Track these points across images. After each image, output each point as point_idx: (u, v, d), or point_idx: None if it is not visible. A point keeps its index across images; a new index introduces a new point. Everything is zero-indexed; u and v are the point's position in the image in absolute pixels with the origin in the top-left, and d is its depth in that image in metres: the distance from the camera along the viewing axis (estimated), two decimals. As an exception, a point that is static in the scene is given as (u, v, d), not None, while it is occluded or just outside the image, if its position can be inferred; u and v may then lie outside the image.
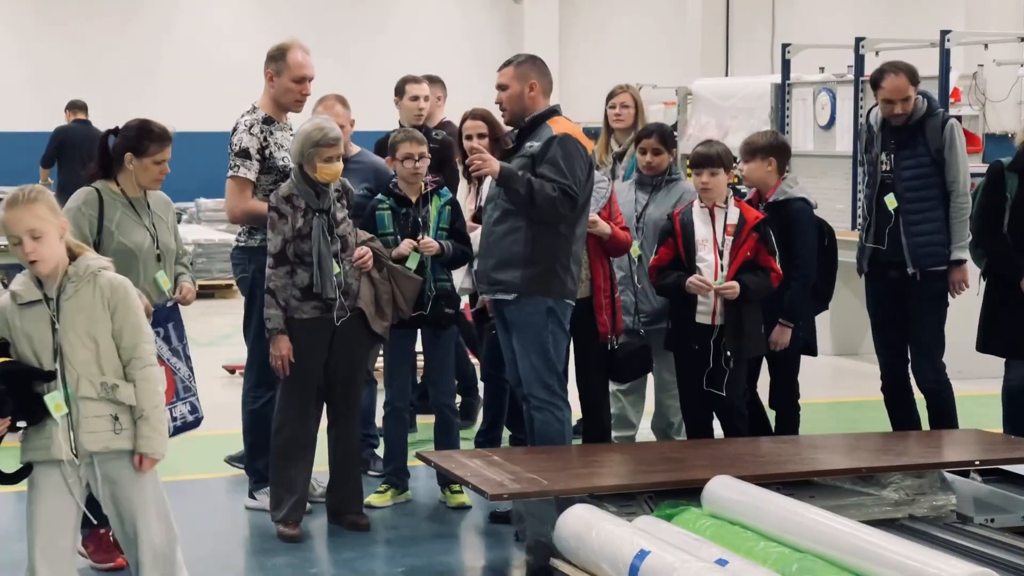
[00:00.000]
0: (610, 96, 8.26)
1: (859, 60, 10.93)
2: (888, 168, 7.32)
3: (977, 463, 6.35)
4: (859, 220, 7.61)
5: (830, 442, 6.97)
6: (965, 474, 6.41)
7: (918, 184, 7.26)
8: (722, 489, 5.53)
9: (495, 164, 6.20)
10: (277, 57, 6.92)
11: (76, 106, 15.13)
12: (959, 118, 14.12)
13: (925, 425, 7.49)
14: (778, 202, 7.01)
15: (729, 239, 6.67)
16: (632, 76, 23.32)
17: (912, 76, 7.22)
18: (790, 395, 7.28)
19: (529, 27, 23.02)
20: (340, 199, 6.53)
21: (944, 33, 10.37)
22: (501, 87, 6.43)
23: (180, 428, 6.04)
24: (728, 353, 6.64)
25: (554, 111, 6.41)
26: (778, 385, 7.26)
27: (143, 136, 5.90)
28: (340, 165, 6.46)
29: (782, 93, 11.69)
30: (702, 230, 6.71)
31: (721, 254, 6.66)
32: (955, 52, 10.66)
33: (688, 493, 5.68)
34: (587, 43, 23.41)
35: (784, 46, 11.83)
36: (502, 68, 6.47)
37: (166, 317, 5.96)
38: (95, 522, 5.16)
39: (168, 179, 6.06)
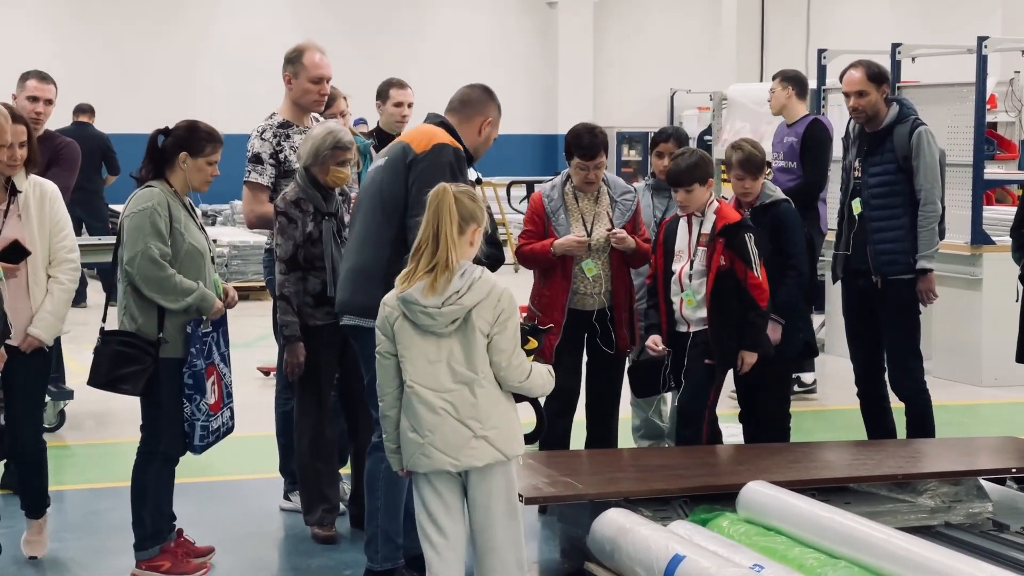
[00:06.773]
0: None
1: (895, 66, 10.87)
2: (859, 174, 7.30)
3: (1014, 471, 6.33)
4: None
5: (865, 448, 6.95)
6: (1001, 481, 6.39)
7: (883, 191, 7.21)
8: (757, 494, 5.54)
9: None
10: (294, 59, 6.95)
11: (80, 109, 14.84)
12: (994, 124, 14.06)
13: (902, 433, 7.40)
14: (764, 206, 6.97)
15: (702, 250, 6.65)
16: (666, 81, 23.48)
17: (872, 73, 7.16)
18: (782, 402, 7.09)
19: (563, 31, 23.03)
20: (344, 202, 6.53)
21: (981, 39, 10.33)
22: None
23: (223, 434, 6.06)
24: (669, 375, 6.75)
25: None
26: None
27: (199, 136, 5.83)
28: (349, 170, 6.47)
29: (818, 99, 11.65)
30: (681, 240, 6.73)
31: (692, 264, 6.65)
32: (992, 58, 10.61)
33: (723, 498, 5.69)
34: (621, 48, 23.42)
35: (820, 52, 11.80)
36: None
37: (219, 321, 5.93)
38: None
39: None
